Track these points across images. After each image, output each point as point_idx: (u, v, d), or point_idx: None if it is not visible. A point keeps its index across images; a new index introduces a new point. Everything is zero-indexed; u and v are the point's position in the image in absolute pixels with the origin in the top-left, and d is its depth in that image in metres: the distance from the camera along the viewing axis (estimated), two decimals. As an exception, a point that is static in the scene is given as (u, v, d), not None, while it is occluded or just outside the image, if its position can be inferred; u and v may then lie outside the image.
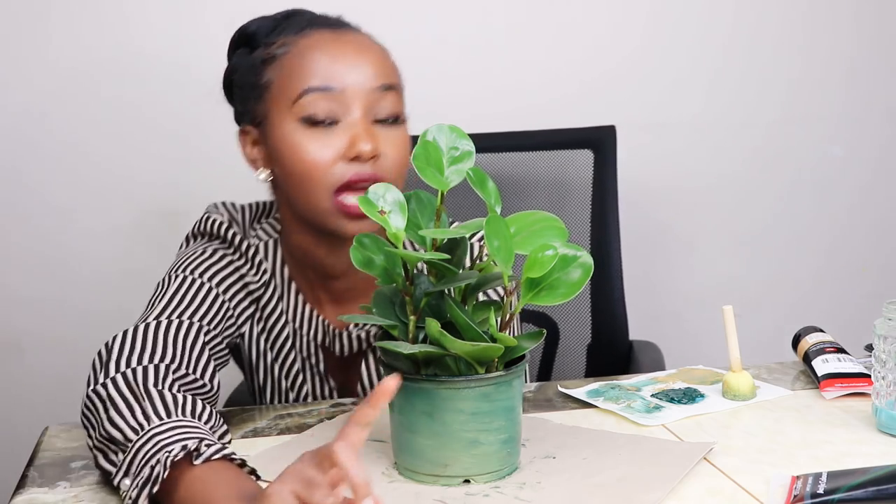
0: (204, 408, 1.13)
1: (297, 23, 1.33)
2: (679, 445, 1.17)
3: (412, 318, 1.07)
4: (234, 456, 1.03)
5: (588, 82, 2.27)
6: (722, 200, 2.38)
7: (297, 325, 1.39)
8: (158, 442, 1.04)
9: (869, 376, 1.29)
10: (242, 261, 1.36)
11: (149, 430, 1.06)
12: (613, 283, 1.88)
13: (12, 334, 2.16)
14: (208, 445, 1.02)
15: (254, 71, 1.31)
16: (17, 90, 2.11)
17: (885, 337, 1.17)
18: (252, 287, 1.37)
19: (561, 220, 1.08)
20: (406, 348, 1.03)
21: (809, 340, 1.42)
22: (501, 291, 1.35)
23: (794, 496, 0.99)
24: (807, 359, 1.39)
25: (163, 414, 1.08)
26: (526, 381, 1.36)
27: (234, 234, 1.36)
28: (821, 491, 0.98)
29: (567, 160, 1.91)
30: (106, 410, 1.11)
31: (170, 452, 1.01)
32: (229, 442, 1.16)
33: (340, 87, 1.26)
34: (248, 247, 1.36)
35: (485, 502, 1.03)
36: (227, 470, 1.01)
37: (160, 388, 1.13)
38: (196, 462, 1.01)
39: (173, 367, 1.17)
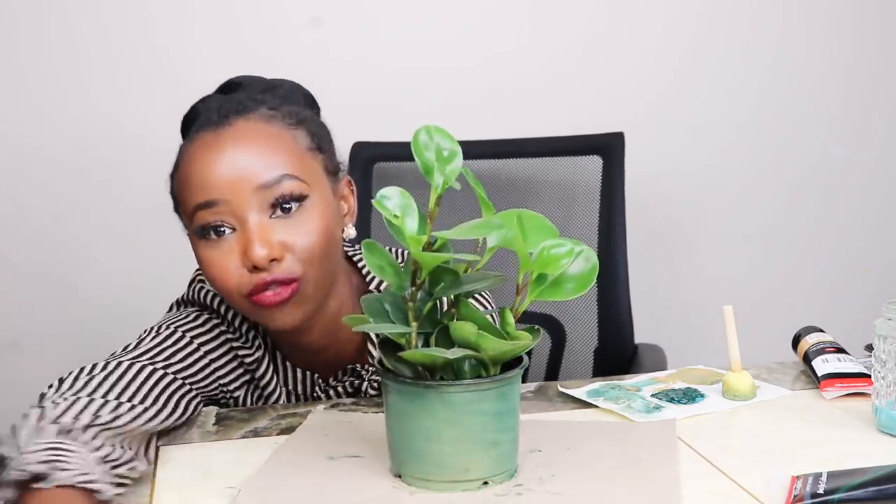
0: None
1: (198, 117, 1.28)
2: (644, 426, 1.22)
3: (414, 324, 1.06)
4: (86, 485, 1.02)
5: (596, 88, 2.28)
6: (724, 201, 2.38)
7: (291, 387, 1.39)
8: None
9: (869, 376, 1.29)
10: (236, 335, 1.35)
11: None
12: (619, 288, 1.89)
13: (12, 334, 2.16)
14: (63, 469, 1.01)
15: (171, 178, 1.29)
16: (17, 90, 2.11)
17: (885, 337, 1.17)
18: (247, 360, 1.35)
19: (563, 223, 1.08)
20: (451, 353, 1.01)
21: (809, 340, 1.42)
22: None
23: (794, 496, 0.99)
24: (807, 359, 1.40)
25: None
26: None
27: (227, 309, 1.35)
28: (821, 491, 0.98)
29: (576, 166, 1.91)
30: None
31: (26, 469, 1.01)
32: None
33: (223, 198, 1.20)
34: (242, 322, 1.35)
35: (519, 501, 1.03)
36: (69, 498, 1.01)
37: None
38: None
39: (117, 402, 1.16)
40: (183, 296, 1.40)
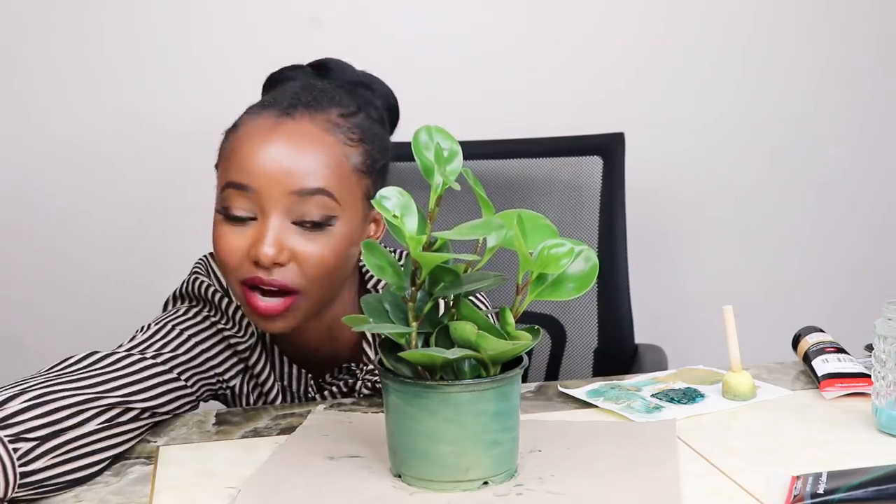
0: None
1: (277, 86, 1.31)
2: (644, 426, 1.22)
3: (414, 324, 1.06)
4: None
5: (596, 89, 2.28)
6: (723, 201, 2.38)
7: (286, 383, 1.39)
8: None
9: (869, 376, 1.29)
10: (229, 324, 1.35)
11: None
12: (620, 289, 1.89)
13: (13, 332, 2.17)
14: None
15: (225, 135, 1.28)
16: (18, 89, 2.11)
17: (885, 337, 1.17)
18: (239, 348, 1.36)
19: (564, 223, 1.08)
20: (451, 353, 1.01)
21: (809, 340, 1.42)
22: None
23: (794, 496, 0.99)
24: (807, 359, 1.40)
25: None
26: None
27: (221, 298, 1.35)
28: (821, 491, 0.98)
29: (576, 167, 1.91)
30: None
31: None
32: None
33: (257, 187, 1.20)
34: (236, 310, 1.35)
35: (519, 501, 1.03)
36: None
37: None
38: None
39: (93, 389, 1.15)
40: (178, 289, 1.40)
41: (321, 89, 1.29)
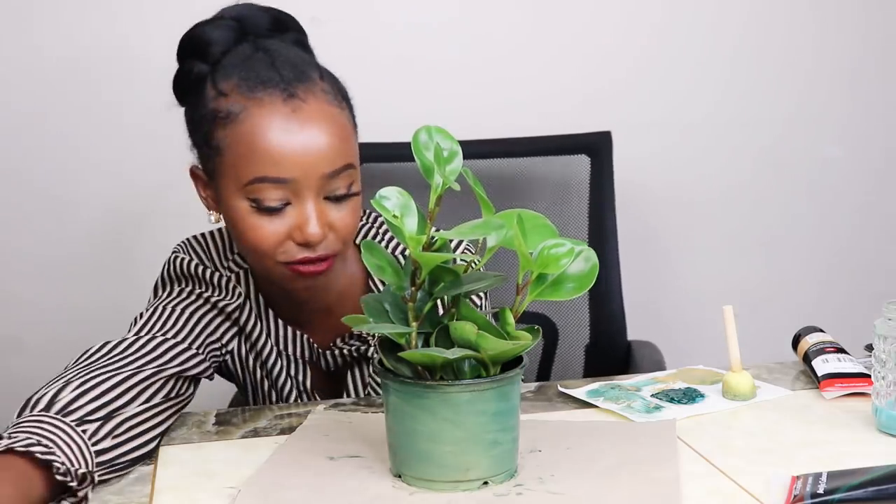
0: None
1: (249, 67, 1.26)
2: (644, 426, 1.22)
3: (414, 324, 1.06)
4: (30, 450, 1.01)
5: (584, 87, 2.28)
6: (722, 201, 2.38)
7: (282, 346, 1.40)
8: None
9: (869, 376, 1.29)
10: (216, 291, 1.37)
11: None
12: (612, 285, 1.89)
13: (13, 332, 2.17)
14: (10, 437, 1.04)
15: (204, 121, 1.27)
16: (15, 89, 2.11)
17: (885, 337, 1.18)
18: (229, 310, 1.37)
19: (553, 221, 1.09)
20: (451, 353, 1.01)
21: (809, 340, 1.42)
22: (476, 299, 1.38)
23: (794, 496, 0.99)
24: (807, 359, 1.40)
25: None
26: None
27: (204, 270, 1.37)
28: (821, 491, 0.98)
29: (564, 165, 1.92)
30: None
31: None
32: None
33: (293, 177, 1.22)
34: (220, 277, 1.37)
35: (519, 501, 1.03)
36: (11, 467, 1.01)
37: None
38: None
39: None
40: (161, 275, 1.42)
41: (287, 55, 1.28)
